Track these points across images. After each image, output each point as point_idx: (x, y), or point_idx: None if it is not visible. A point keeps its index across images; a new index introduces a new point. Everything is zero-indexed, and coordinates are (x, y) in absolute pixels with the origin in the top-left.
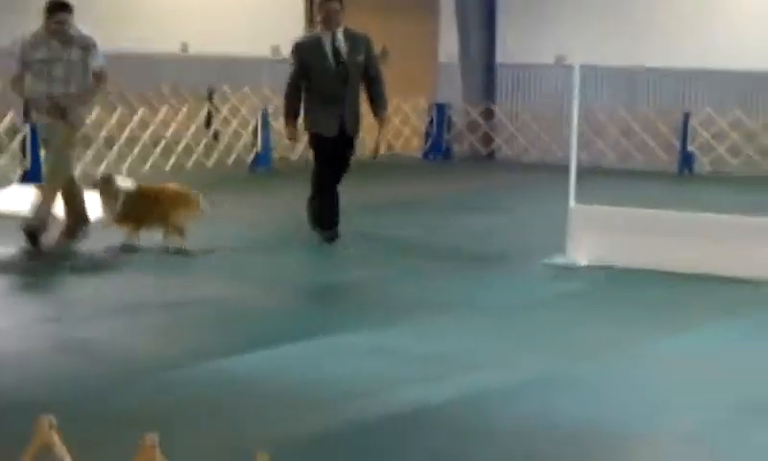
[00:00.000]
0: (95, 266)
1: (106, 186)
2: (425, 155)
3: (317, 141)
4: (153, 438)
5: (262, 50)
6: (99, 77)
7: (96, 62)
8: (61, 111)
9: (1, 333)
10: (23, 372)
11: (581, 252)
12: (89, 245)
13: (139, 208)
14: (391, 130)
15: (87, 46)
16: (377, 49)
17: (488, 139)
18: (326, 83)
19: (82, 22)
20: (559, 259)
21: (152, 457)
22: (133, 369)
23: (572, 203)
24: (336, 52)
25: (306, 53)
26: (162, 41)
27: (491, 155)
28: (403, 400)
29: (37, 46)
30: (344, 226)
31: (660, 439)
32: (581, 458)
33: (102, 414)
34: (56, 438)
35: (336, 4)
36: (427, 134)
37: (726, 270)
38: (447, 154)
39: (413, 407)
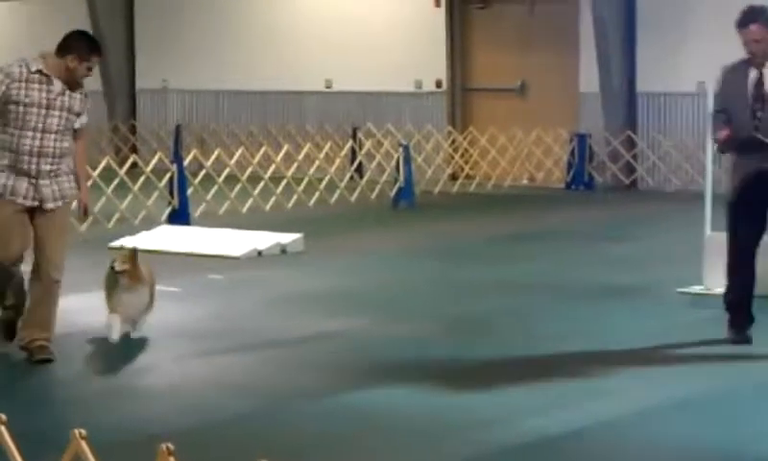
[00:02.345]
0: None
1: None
2: (567, 185)
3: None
4: None
5: (405, 85)
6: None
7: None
8: None
9: (149, 368)
10: (169, 403)
11: (717, 279)
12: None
13: None
14: (533, 161)
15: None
16: (516, 83)
17: (630, 169)
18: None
19: (223, 63)
20: (693, 288)
21: None
22: (271, 401)
23: (708, 230)
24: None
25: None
26: (307, 79)
27: (633, 184)
28: (540, 427)
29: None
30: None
31: None
32: None
33: (233, 442)
34: None
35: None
36: (569, 165)
37: None
38: (589, 184)
39: (550, 434)
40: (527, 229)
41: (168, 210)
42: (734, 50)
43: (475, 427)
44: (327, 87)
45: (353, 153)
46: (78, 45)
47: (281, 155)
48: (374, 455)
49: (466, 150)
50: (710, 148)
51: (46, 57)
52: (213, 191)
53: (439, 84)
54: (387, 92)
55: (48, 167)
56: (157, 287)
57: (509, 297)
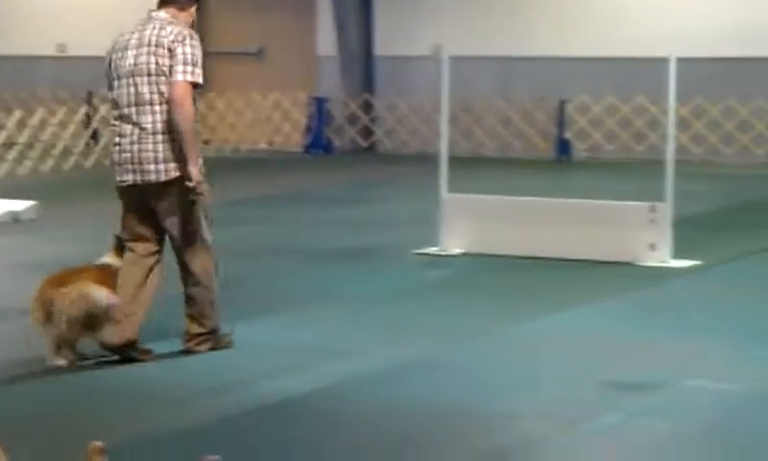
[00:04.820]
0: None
1: None
2: (306, 149)
3: None
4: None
5: None
6: None
7: None
8: None
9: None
10: None
11: (453, 241)
12: None
13: None
14: (271, 125)
15: None
16: (254, 46)
17: (368, 132)
18: None
19: None
20: (431, 249)
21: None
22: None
23: (444, 192)
24: None
25: None
26: (39, 43)
27: (371, 147)
28: (269, 391)
29: None
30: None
31: (521, 418)
32: (448, 439)
33: None
34: None
35: None
36: (308, 129)
37: (597, 254)
38: (328, 148)
39: (280, 398)
40: (266, 192)
41: None
42: (469, 15)
43: (217, 391)
44: (61, 52)
45: (88, 118)
46: None
47: (14, 121)
48: (116, 422)
49: (203, 114)
50: (446, 111)
51: None
52: None
53: None
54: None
55: None
56: None
57: (248, 260)
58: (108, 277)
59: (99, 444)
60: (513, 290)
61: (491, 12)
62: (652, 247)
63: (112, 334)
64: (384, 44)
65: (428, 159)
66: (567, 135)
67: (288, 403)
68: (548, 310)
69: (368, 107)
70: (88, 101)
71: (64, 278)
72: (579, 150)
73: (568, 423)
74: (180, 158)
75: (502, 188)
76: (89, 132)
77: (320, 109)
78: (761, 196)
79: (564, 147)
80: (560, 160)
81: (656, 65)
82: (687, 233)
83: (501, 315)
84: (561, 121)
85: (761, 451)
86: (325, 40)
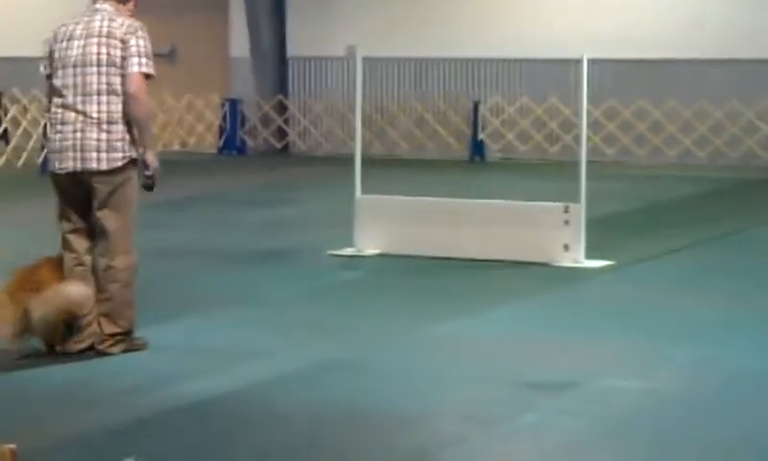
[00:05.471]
0: None
1: None
2: (219, 150)
3: None
4: None
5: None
6: None
7: None
8: None
9: None
10: None
11: (368, 242)
12: None
13: None
14: (184, 126)
15: None
16: (166, 47)
17: (282, 133)
18: None
19: None
20: (345, 250)
21: None
22: None
23: (358, 193)
24: None
25: None
26: None
27: (285, 148)
28: (183, 393)
29: None
30: None
31: (437, 418)
32: (360, 440)
33: None
34: None
35: None
36: (221, 130)
37: (511, 255)
38: (242, 149)
39: (192, 399)
40: (180, 194)
41: None
42: (383, 15)
43: (132, 393)
44: None
45: None
46: None
47: None
48: (26, 425)
49: None
50: (359, 111)
51: None
52: None
53: None
54: (33, 57)
55: None
56: None
57: (163, 261)
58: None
59: (10, 447)
60: (428, 291)
61: (405, 12)
62: (566, 247)
63: (75, 343)
64: (297, 45)
65: (342, 161)
66: (481, 136)
67: (203, 405)
68: (463, 311)
69: (281, 108)
70: None
71: (27, 279)
72: (493, 151)
73: (485, 423)
74: (126, 149)
75: (416, 189)
76: None
77: (233, 110)
78: (673, 197)
79: (477, 148)
80: (473, 161)
81: (569, 67)
82: (601, 234)
83: (416, 316)
84: (475, 122)
85: (676, 448)
86: (238, 41)
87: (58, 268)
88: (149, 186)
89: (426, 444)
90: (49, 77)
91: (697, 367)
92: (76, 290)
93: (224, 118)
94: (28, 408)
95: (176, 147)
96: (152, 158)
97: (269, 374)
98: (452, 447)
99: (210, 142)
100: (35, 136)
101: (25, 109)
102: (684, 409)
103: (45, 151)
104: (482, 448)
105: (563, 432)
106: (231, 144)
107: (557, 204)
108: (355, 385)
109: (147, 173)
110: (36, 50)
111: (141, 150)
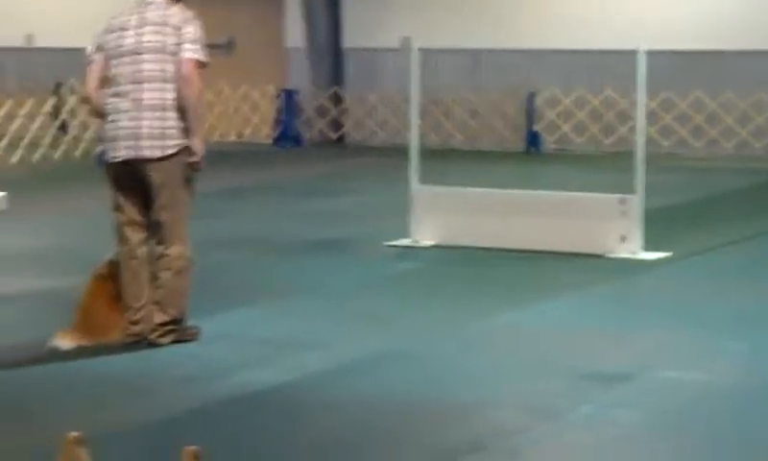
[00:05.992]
0: None
1: None
2: (275, 141)
3: None
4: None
5: None
6: None
7: None
8: None
9: None
10: None
11: (424, 232)
12: None
13: None
14: (240, 117)
15: None
16: (223, 39)
17: (337, 124)
18: None
19: None
20: (402, 241)
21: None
22: None
23: (415, 184)
24: None
25: None
26: (6, 34)
27: (340, 139)
28: (243, 382)
29: None
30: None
31: (494, 409)
32: (417, 430)
33: None
34: None
35: None
36: (277, 121)
37: (568, 246)
38: (297, 140)
39: (251, 390)
40: (236, 184)
41: None
42: (438, 8)
43: (184, 382)
44: (28, 43)
45: (56, 109)
46: None
47: None
48: (84, 413)
49: None
50: (416, 103)
51: None
52: None
53: None
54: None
55: None
56: None
57: (219, 251)
58: (112, 280)
59: (76, 434)
60: (484, 282)
61: (460, 4)
62: (623, 239)
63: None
64: (353, 37)
65: (397, 151)
66: (537, 128)
67: (259, 395)
68: (520, 303)
69: (337, 99)
70: (56, 92)
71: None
72: (548, 142)
73: (543, 414)
74: (179, 136)
75: (472, 180)
76: (57, 123)
77: (289, 101)
78: (729, 189)
79: (533, 139)
80: (529, 153)
81: (625, 58)
82: (657, 225)
83: (473, 307)
84: (530, 113)
85: (731, 441)
86: (294, 33)
87: (96, 289)
88: (192, 174)
89: (484, 434)
90: (91, 63)
91: (752, 359)
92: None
93: (279, 109)
94: (86, 396)
95: (232, 138)
96: (198, 145)
97: (325, 364)
98: (512, 436)
99: (266, 133)
100: (92, 127)
101: (83, 100)
102: (739, 402)
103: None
104: (540, 438)
105: (620, 424)
106: (287, 135)
107: (614, 195)
108: (412, 376)
109: (192, 159)
110: (91, 42)
111: (188, 136)
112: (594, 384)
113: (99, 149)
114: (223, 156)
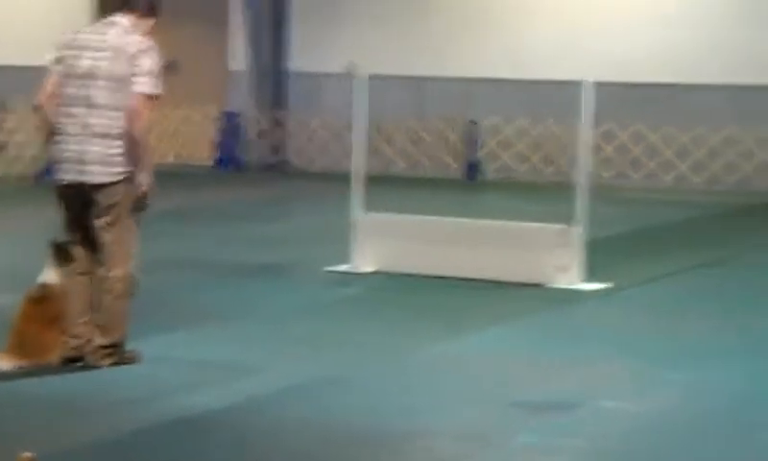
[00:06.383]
0: None
1: None
2: (216, 164)
3: None
4: None
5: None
6: None
7: None
8: None
9: None
10: None
11: (365, 259)
12: None
13: None
14: (180, 139)
15: None
16: (165, 59)
17: (278, 148)
18: None
19: None
20: (342, 266)
21: None
22: None
23: (357, 210)
24: None
25: None
26: None
27: (281, 164)
28: (182, 405)
29: None
30: None
31: (434, 437)
32: (359, 457)
33: None
34: None
35: None
36: (218, 144)
37: (508, 275)
38: (238, 163)
39: (192, 413)
40: (175, 207)
41: None
42: (382, 33)
43: (127, 404)
44: None
45: None
46: None
47: None
48: (29, 434)
49: None
50: (363, 128)
51: None
52: None
53: None
54: (32, 67)
55: None
56: None
57: (159, 274)
58: (46, 302)
59: (29, 454)
60: (424, 310)
61: (404, 31)
62: (563, 269)
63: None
64: (297, 60)
65: (338, 177)
66: (478, 156)
67: (199, 419)
68: (459, 331)
69: (279, 123)
70: None
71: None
72: (489, 171)
73: (484, 443)
74: (125, 163)
75: (412, 208)
76: None
77: (230, 123)
78: (667, 221)
79: (474, 167)
80: (470, 181)
81: (566, 89)
82: (597, 256)
83: (412, 335)
84: (471, 142)
85: None
86: (238, 54)
87: (34, 311)
88: (140, 206)
89: None
90: (48, 72)
91: (690, 390)
92: None
93: (220, 131)
94: (30, 416)
95: (171, 159)
96: (146, 178)
97: (264, 388)
98: None
99: (206, 155)
100: (31, 147)
101: (22, 119)
102: (681, 431)
103: (42, 161)
104: None
105: (562, 453)
106: (228, 158)
107: (554, 225)
108: (351, 402)
109: (141, 191)
110: (36, 60)
111: (135, 167)
112: (536, 413)
113: (39, 168)
114: (162, 177)
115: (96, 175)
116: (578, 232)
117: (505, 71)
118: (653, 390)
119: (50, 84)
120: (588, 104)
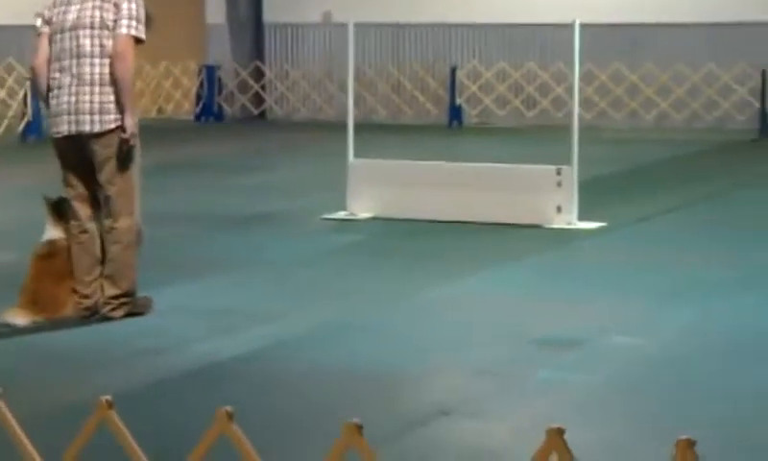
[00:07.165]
0: None
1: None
2: (197, 117)
3: None
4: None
5: (26, 18)
6: None
7: None
8: None
9: None
10: None
11: (360, 205)
12: None
13: None
14: (161, 93)
15: None
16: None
17: (259, 100)
18: None
19: None
20: (339, 214)
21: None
22: None
23: (351, 157)
24: None
25: None
26: None
27: (262, 115)
28: (196, 355)
29: None
30: None
31: (453, 374)
32: (382, 399)
33: None
34: None
35: None
36: (198, 97)
37: (504, 217)
38: (219, 115)
39: (207, 362)
40: (160, 161)
41: None
42: None
43: (143, 355)
44: None
45: None
46: None
47: None
48: (48, 389)
49: None
50: (352, 77)
51: None
52: None
53: None
54: (8, 26)
55: None
56: None
57: (160, 227)
58: (54, 258)
59: (108, 397)
60: (426, 253)
61: None
62: (559, 209)
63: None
64: (274, 11)
65: (319, 126)
66: (459, 102)
67: (214, 368)
68: (463, 273)
69: (258, 74)
70: None
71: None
72: (470, 116)
73: (503, 379)
74: (118, 110)
75: (396, 154)
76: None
77: (210, 76)
78: (653, 159)
79: (455, 113)
80: (452, 126)
81: (546, 31)
82: (590, 196)
83: (414, 279)
84: (452, 87)
85: (691, 400)
86: (215, 8)
87: (43, 267)
88: (125, 150)
89: (448, 400)
90: (40, 35)
91: (697, 323)
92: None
93: (201, 85)
94: (45, 371)
95: (153, 114)
96: (129, 122)
97: (277, 336)
98: (470, 402)
99: (188, 109)
100: (13, 105)
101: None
102: (692, 363)
103: (26, 119)
104: (501, 402)
105: (578, 388)
106: (209, 111)
107: (549, 166)
108: (366, 346)
109: (123, 136)
110: (15, 20)
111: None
112: (547, 350)
113: (23, 125)
114: (145, 131)
115: (91, 124)
116: (572, 173)
117: (483, 16)
118: (660, 324)
119: (43, 47)
120: (577, 45)
